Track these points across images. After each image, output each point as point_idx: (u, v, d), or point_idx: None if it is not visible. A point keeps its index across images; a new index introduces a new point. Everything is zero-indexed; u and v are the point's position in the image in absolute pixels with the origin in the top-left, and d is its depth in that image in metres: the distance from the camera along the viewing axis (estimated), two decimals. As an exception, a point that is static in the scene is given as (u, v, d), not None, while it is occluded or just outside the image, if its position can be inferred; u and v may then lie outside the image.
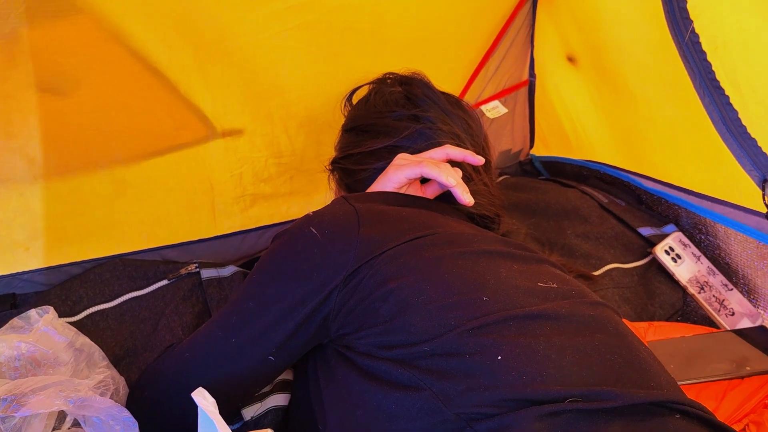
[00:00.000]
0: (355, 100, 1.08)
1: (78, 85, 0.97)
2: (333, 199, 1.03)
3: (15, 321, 0.78)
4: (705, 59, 0.99)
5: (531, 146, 1.78)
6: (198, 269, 1.16)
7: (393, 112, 0.96)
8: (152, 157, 1.13)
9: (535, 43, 1.58)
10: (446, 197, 0.93)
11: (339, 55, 1.20)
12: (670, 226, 1.34)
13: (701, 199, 1.26)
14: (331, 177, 1.05)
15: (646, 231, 1.34)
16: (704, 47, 0.98)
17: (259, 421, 0.88)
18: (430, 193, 0.93)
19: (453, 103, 1.00)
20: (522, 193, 1.47)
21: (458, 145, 0.94)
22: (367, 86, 1.07)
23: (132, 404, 0.80)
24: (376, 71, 1.06)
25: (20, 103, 0.94)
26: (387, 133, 0.95)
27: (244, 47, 1.08)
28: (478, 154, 0.93)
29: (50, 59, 0.92)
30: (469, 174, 0.94)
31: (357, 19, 1.16)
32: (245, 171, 1.25)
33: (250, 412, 0.89)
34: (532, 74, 1.65)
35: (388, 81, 1.04)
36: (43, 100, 0.95)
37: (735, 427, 0.94)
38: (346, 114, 1.07)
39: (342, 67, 1.18)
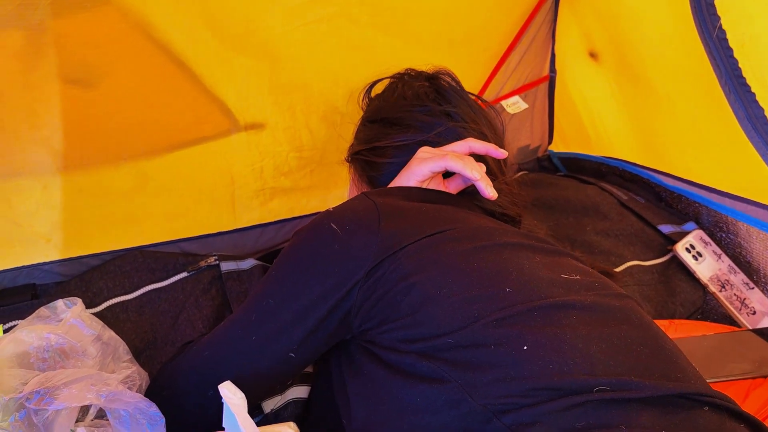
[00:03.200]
0: (373, 94, 1.06)
1: (103, 77, 0.97)
2: (350, 190, 1.03)
3: (42, 310, 0.78)
4: (732, 56, 0.98)
5: (549, 142, 1.78)
6: (218, 262, 1.16)
7: (424, 107, 0.94)
8: (174, 150, 1.13)
9: (557, 39, 1.58)
10: (467, 193, 0.92)
11: (362, 48, 1.19)
12: (691, 224, 1.33)
13: (722, 197, 1.25)
14: (350, 168, 1.03)
15: (666, 228, 1.33)
16: (731, 44, 0.98)
17: (278, 413, 0.89)
18: (453, 188, 0.91)
19: (477, 101, 1.00)
20: (541, 190, 1.46)
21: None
22: (386, 80, 1.05)
23: None
24: (399, 65, 1.05)
25: (45, 94, 0.94)
26: (418, 128, 0.93)
27: (268, 40, 1.08)
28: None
29: (76, 51, 0.92)
30: (494, 171, 0.93)
31: (380, 12, 1.16)
32: (266, 164, 1.25)
33: (270, 405, 0.90)
34: (552, 70, 1.64)
35: (412, 74, 1.02)
36: (68, 91, 0.95)
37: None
38: (364, 107, 1.05)
39: (365, 61, 1.17)
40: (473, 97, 1.00)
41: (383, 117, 0.97)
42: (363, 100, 1.06)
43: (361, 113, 1.05)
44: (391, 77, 1.04)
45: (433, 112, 0.93)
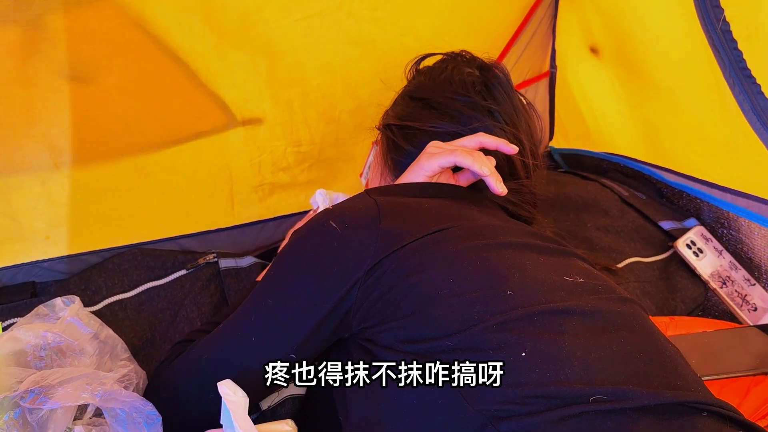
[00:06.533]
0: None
1: (100, 72, 0.97)
2: (371, 161, 1.01)
3: (41, 308, 0.78)
4: (736, 48, 0.97)
5: (550, 138, 1.77)
6: (216, 259, 1.15)
7: (467, 97, 0.91)
8: (172, 146, 1.13)
9: (557, 34, 1.57)
10: (478, 188, 0.90)
11: (360, 43, 1.19)
12: (692, 220, 1.33)
13: (724, 193, 1.24)
14: (378, 138, 1.00)
15: (667, 225, 1.33)
16: (735, 36, 0.97)
17: (276, 410, 0.88)
18: (463, 181, 0.90)
19: (522, 104, 0.96)
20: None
21: (520, 151, 0.89)
22: (438, 56, 1.01)
23: None
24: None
25: (43, 90, 0.94)
26: (455, 118, 0.90)
27: (265, 35, 1.08)
28: (533, 158, 0.91)
29: (73, 46, 0.92)
30: (518, 172, 0.91)
31: (378, 6, 1.15)
32: (264, 160, 1.24)
33: (267, 402, 0.89)
34: (553, 65, 1.63)
35: (466, 58, 0.99)
36: (65, 87, 0.95)
37: (759, 424, 0.93)
38: (410, 77, 1.02)
39: (363, 55, 1.17)
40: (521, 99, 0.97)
41: (424, 97, 0.94)
42: (410, 71, 1.03)
43: (405, 83, 1.02)
44: (443, 54, 1.01)
45: (475, 106, 0.90)
